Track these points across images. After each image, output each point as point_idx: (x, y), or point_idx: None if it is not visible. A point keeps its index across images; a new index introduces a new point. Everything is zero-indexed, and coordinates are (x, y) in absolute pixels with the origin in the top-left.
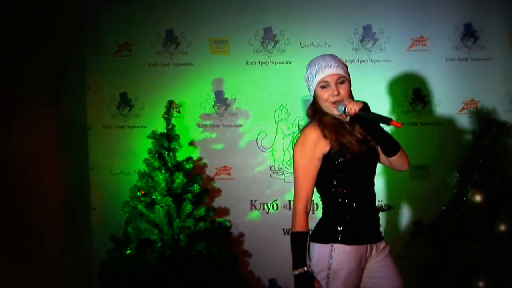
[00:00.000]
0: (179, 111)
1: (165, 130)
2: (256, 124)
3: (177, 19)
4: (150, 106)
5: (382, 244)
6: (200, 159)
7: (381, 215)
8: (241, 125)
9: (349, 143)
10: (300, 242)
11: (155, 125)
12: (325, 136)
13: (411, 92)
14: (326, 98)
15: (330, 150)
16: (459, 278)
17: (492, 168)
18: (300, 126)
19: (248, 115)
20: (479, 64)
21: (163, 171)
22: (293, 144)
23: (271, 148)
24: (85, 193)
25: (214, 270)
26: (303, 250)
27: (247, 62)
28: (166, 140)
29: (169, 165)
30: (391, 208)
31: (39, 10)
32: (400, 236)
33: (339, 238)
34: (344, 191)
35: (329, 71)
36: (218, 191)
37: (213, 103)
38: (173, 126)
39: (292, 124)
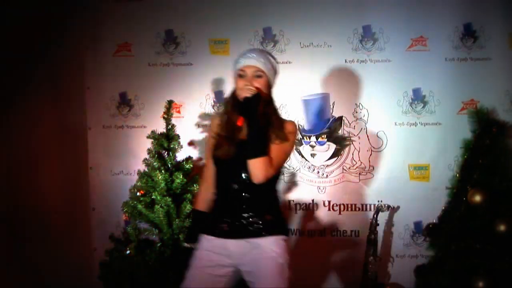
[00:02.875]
0: (178, 111)
1: (164, 130)
2: None
3: (177, 19)
4: (150, 106)
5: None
6: (199, 159)
7: (381, 215)
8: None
9: (222, 145)
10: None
11: (155, 125)
12: (216, 127)
13: (411, 92)
14: (240, 87)
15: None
16: (459, 278)
17: (492, 168)
18: (300, 127)
19: None
20: (479, 64)
21: (162, 171)
22: None
23: None
24: (85, 193)
25: None
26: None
27: None
28: (166, 140)
29: (169, 165)
30: (391, 208)
31: (38, 10)
32: (400, 236)
33: None
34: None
35: (248, 62)
36: None
37: (212, 103)
38: (173, 126)
39: None
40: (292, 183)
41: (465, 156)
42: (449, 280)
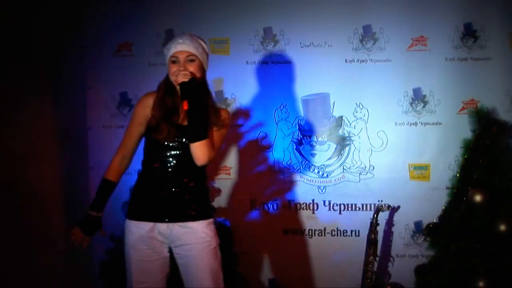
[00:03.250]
0: None
1: None
2: (256, 123)
3: (177, 18)
4: None
5: None
6: None
7: (381, 214)
8: (241, 125)
9: (162, 127)
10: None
11: None
12: (152, 109)
13: (411, 91)
14: (173, 72)
15: (148, 125)
16: (459, 277)
17: (492, 168)
18: (300, 126)
19: (248, 114)
20: (479, 64)
21: None
22: None
23: (271, 148)
24: (85, 193)
25: None
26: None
27: (247, 62)
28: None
29: None
30: (391, 208)
31: (38, 9)
32: (400, 235)
33: None
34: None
35: (180, 47)
36: (218, 191)
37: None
38: None
39: (292, 124)
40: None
41: (465, 156)
42: (449, 279)
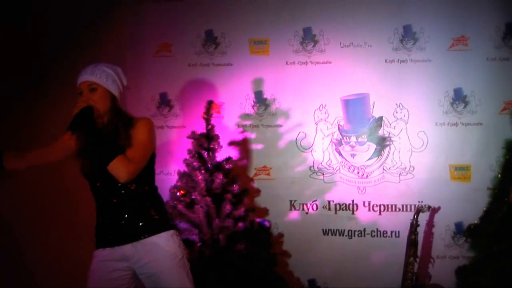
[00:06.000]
0: (218, 111)
1: (204, 130)
2: (296, 124)
3: (217, 19)
4: (190, 106)
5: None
6: (239, 159)
7: (421, 215)
8: (281, 125)
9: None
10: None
11: (195, 125)
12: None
13: (452, 92)
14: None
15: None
16: (501, 279)
17: None
18: (340, 127)
19: (288, 115)
20: None
21: (202, 171)
22: None
23: (311, 148)
24: None
25: (253, 270)
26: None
27: (286, 62)
28: (206, 140)
29: (209, 165)
30: (432, 209)
31: (79, 11)
32: (441, 236)
33: None
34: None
35: (81, 79)
36: (257, 191)
37: (252, 103)
38: (213, 126)
39: (331, 124)
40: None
41: (507, 157)
42: (491, 281)
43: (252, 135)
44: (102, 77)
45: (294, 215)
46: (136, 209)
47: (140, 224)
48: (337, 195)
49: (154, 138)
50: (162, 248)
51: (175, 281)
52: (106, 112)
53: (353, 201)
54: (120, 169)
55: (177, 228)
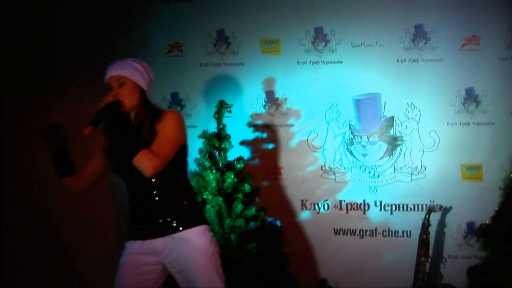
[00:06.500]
0: (230, 111)
1: (216, 130)
2: (307, 124)
3: (228, 19)
4: (201, 106)
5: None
6: (250, 158)
7: (433, 215)
8: (292, 125)
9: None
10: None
11: (206, 125)
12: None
13: (463, 91)
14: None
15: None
16: None
17: None
18: (351, 126)
19: (299, 114)
20: None
21: (214, 170)
22: None
23: (322, 148)
24: None
25: (264, 269)
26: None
27: (298, 62)
28: (217, 140)
29: (220, 165)
30: (443, 209)
31: (90, 11)
32: (452, 236)
33: None
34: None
35: (109, 74)
36: (268, 191)
37: (263, 102)
38: (224, 126)
39: (343, 124)
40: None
41: None
42: (502, 281)
43: (263, 135)
44: (130, 71)
45: (305, 214)
46: (167, 203)
47: (171, 218)
48: (349, 194)
49: (183, 130)
50: (193, 244)
51: (204, 277)
52: (135, 106)
53: (364, 200)
54: (145, 163)
55: (206, 221)
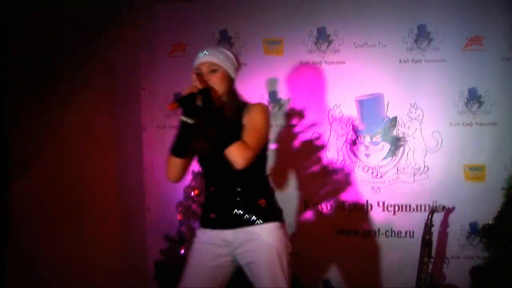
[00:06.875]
0: None
1: None
2: (310, 124)
3: (231, 19)
4: None
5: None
6: None
7: (436, 215)
8: (295, 125)
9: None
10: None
11: None
12: None
13: (466, 92)
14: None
15: None
16: None
17: None
18: (354, 127)
19: (302, 115)
20: None
21: None
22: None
23: (325, 148)
24: (140, 193)
25: None
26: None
27: (300, 62)
28: None
29: None
30: (446, 209)
31: (94, 11)
32: (455, 237)
33: None
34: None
35: (202, 59)
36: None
37: (266, 103)
38: None
39: (345, 124)
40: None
41: None
42: (506, 281)
43: None
44: (223, 59)
45: (308, 215)
46: (244, 196)
47: (246, 211)
48: (351, 195)
49: (270, 124)
50: (263, 240)
51: (269, 275)
52: (224, 94)
53: (367, 201)
54: (238, 154)
55: (282, 219)
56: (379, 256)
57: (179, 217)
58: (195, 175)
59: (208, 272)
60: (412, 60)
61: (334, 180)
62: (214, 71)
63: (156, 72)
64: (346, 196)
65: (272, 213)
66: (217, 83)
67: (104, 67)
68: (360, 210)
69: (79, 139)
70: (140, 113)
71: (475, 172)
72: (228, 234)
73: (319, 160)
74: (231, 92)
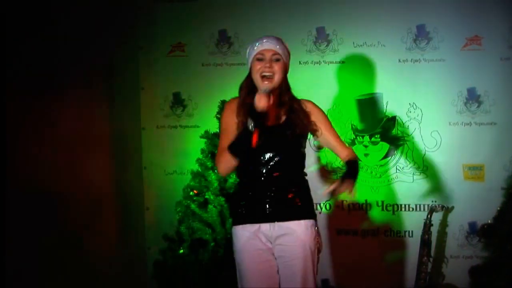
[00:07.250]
0: None
1: (218, 130)
2: None
3: (230, 19)
4: (203, 106)
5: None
6: None
7: (435, 215)
8: None
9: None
10: None
11: (208, 125)
12: (237, 115)
13: (465, 91)
14: (258, 69)
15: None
16: None
17: None
18: (353, 126)
19: None
20: None
21: (216, 170)
22: None
23: (324, 148)
24: (139, 192)
25: None
26: None
27: (299, 62)
28: (219, 139)
29: None
30: (445, 209)
31: (93, 11)
32: (454, 236)
33: None
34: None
35: (267, 45)
36: None
37: None
38: None
39: (345, 125)
40: None
41: None
42: (505, 281)
43: None
44: (285, 52)
45: None
46: (281, 191)
47: (282, 207)
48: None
49: None
50: (297, 236)
51: (301, 271)
52: (279, 85)
53: (366, 200)
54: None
55: (315, 216)
56: (378, 256)
57: (178, 217)
58: (194, 174)
59: (263, 268)
60: (411, 59)
61: (333, 179)
62: (278, 60)
63: (155, 72)
64: (345, 196)
65: (308, 210)
66: (278, 71)
67: (103, 67)
68: (359, 209)
69: (79, 139)
70: (140, 113)
71: (474, 171)
72: (265, 227)
73: (318, 159)
74: (285, 84)
